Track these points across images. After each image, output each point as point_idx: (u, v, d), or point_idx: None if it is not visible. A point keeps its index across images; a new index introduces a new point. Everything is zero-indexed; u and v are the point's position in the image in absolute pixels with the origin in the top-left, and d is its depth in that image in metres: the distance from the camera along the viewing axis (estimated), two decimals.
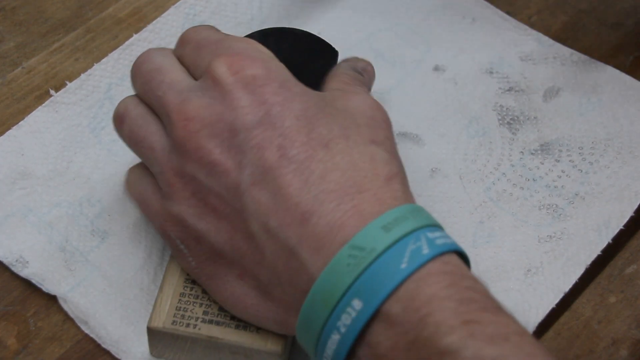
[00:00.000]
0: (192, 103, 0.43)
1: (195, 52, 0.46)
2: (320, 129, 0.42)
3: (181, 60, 0.47)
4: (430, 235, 0.39)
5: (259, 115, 0.42)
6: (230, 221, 0.42)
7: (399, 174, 0.42)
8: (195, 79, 0.45)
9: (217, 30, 0.49)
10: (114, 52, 0.58)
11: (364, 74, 0.51)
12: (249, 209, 0.41)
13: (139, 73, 0.47)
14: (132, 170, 0.49)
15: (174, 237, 0.44)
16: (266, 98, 0.42)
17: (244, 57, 0.43)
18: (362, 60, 0.52)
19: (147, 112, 0.47)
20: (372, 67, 0.52)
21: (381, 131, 0.44)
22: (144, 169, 0.48)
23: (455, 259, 0.40)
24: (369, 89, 0.52)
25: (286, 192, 0.40)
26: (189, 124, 0.43)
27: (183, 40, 0.48)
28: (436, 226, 0.41)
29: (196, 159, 0.42)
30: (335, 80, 0.49)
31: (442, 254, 0.39)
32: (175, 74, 0.46)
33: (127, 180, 0.49)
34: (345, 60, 0.52)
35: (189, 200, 0.43)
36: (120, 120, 0.48)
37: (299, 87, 0.44)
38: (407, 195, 0.42)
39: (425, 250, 0.38)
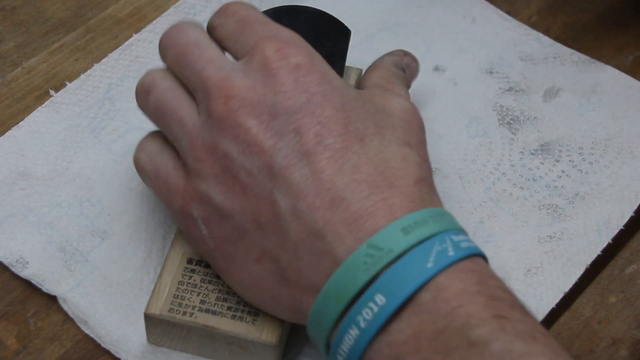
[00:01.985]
0: (235, 81, 0.43)
1: (239, 26, 0.46)
2: (357, 123, 0.43)
3: (215, 30, 0.47)
4: (455, 238, 0.40)
5: (301, 101, 0.42)
6: (258, 201, 0.42)
7: (428, 178, 0.44)
8: (231, 52, 0.46)
9: (259, 11, 0.48)
10: (113, 52, 0.58)
11: (406, 70, 0.52)
12: (280, 190, 0.42)
13: (173, 45, 0.46)
14: (147, 142, 0.48)
15: (197, 215, 0.44)
16: (308, 87, 0.43)
17: (290, 44, 0.44)
18: (408, 54, 0.53)
19: (177, 85, 0.46)
20: (417, 63, 0.53)
21: (415, 135, 0.45)
22: (164, 143, 0.47)
23: (481, 261, 0.41)
24: (410, 85, 0.52)
25: (319, 177, 0.41)
26: (230, 101, 0.43)
27: (226, 12, 0.47)
28: (460, 230, 0.41)
29: (233, 136, 0.42)
30: (377, 75, 0.49)
31: (468, 256, 0.40)
32: (213, 51, 0.45)
33: (142, 153, 0.47)
34: (390, 54, 0.52)
35: (217, 178, 0.43)
36: (146, 91, 0.47)
37: (339, 81, 0.44)
38: (433, 199, 0.43)
39: (451, 252, 0.39)
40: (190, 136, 0.44)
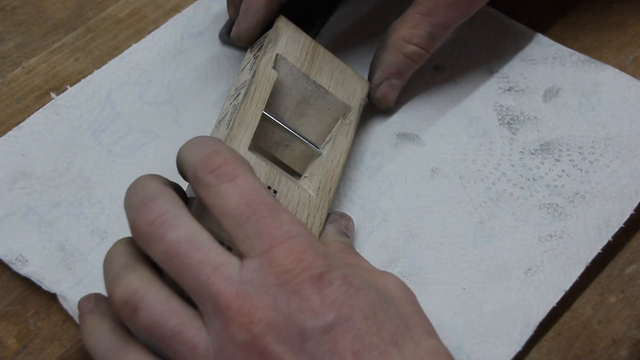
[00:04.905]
0: (254, 301, 0.38)
1: (243, 209, 0.40)
2: (387, 325, 0.40)
3: (207, 194, 0.41)
4: None
5: (330, 317, 0.39)
6: None
7: None
8: (232, 236, 0.40)
9: (254, 175, 0.42)
10: (113, 60, 0.58)
11: (348, 233, 0.49)
12: None
13: (160, 240, 0.40)
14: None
15: None
16: (334, 298, 0.39)
17: (307, 248, 0.40)
18: (344, 216, 0.50)
19: (168, 293, 0.40)
20: (353, 222, 0.51)
21: (425, 318, 0.43)
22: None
23: None
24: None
25: None
26: (255, 327, 0.38)
27: (216, 170, 0.41)
28: None
29: None
30: (336, 252, 0.47)
31: None
32: (214, 251, 0.40)
33: None
34: (330, 222, 0.50)
35: None
36: (131, 308, 0.39)
37: (357, 277, 0.41)
38: None
39: None
40: None
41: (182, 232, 0.40)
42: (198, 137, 0.43)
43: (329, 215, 0.49)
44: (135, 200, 0.41)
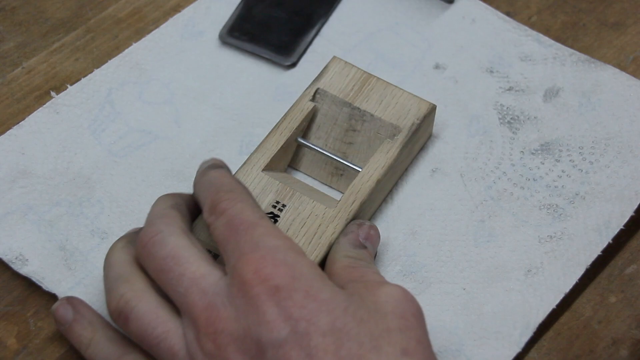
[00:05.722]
0: (219, 312, 0.41)
1: (226, 232, 0.43)
2: (350, 343, 0.40)
3: (210, 230, 0.44)
4: None
5: (285, 332, 0.39)
6: None
7: None
8: (224, 257, 0.43)
9: (248, 196, 0.45)
10: (113, 59, 0.58)
11: (367, 243, 0.48)
12: None
13: (151, 257, 0.44)
14: None
15: None
16: (291, 312, 0.40)
17: (269, 260, 0.41)
18: (362, 225, 0.49)
19: (158, 303, 0.43)
20: (376, 229, 0.49)
21: (413, 334, 0.41)
22: None
23: None
24: (375, 253, 0.50)
25: None
26: (219, 337, 0.41)
27: (216, 210, 0.44)
28: None
29: None
30: (341, 270, 0.46)
31: None
32: (194, 265, 0.43)
33: None
34: (344, 235, 0.49)
35: None
36: (124, 317, 0.43)
37: (326, 292, 0.41)
38: None
39: None
40: None
41: (169, 249, 0.43)
42: (207, 173, 0.47)
43: (347, 225, 0.49)
44: (147, 219, 0.46)
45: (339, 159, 0.52)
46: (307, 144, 0.52)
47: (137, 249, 0.45)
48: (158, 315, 0.43)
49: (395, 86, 0.54)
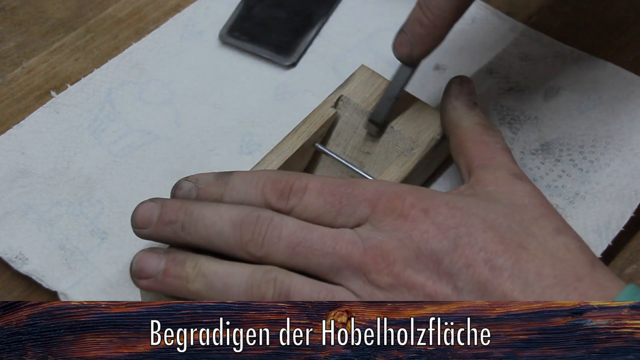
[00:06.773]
0: (383, 248, 0.43)
1: (334, 199, 0.45)
2: (508, 233, 0.43)
3: (294, 212, 0.45)
4: None
5: (452, 238, 0.43)
6: None
7: (596, 258, 0.44)
8: (328, 224, 0.44)
9: (313, 175, 0.47)
10: (113, 59, 0.58)
11: (472, 95, 0.51)
12: None
13: (278, 240, 0.44)
14: None
15: None
16: (448, 223, 0.43)
17: (399, 192, 0.44)
18: (462, 80, 0.51)
19: (304, 277, 0.44)
20: (469, 79, 0.52)
21: (557, 217, 0.45)
22: None
23: None
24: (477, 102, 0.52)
25: (512, 297, 0.41)
26: (394, 267, 0.42)
27: (298, 191, 0.45)
28: None
29: (413, 295, 0.42)
30: (474, 145, 0.48)
31: None
32: (326, 229, 0.44)
33: None
34: (456, 98, 0.51)
35: None
36: (284, 298, 0.44)
37: (460, 200, 0.44)
38: (616, 277, 0.43)
39: None
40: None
41: (291, 225, 0.44)
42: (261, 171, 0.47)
43: (450, 83, 0.51)
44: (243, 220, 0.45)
45: (355, 168, 0.51)
46: (325, 150, 0.52)
47: (255, 243, 0.44)
48: (313, 282, 0.44)
49: (420, 100, 0.53)
